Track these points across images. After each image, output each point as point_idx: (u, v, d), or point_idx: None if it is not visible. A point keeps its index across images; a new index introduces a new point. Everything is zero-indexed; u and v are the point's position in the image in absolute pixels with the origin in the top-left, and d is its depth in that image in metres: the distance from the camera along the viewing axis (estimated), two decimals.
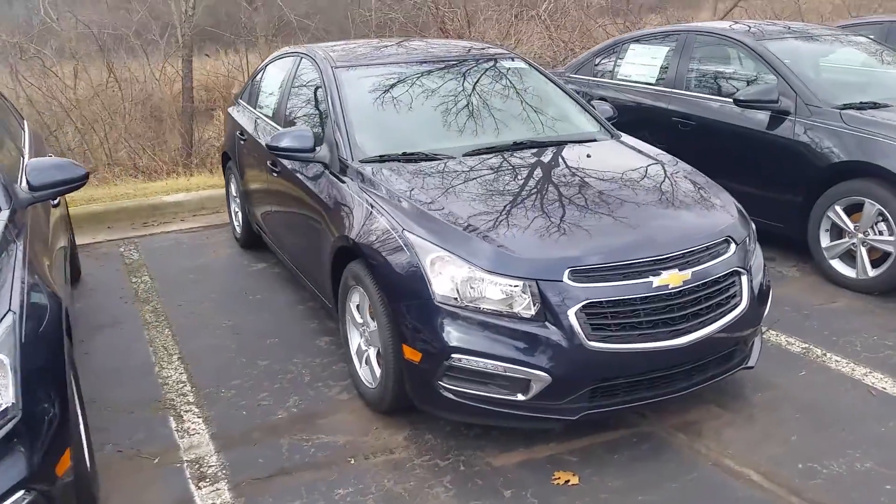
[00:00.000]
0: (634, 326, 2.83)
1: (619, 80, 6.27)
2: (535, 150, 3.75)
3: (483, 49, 4.71)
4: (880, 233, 4.48)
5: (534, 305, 2.79)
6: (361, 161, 3.59)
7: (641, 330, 2.84)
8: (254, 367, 3.87)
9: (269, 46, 9.79)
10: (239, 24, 9.88)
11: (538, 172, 3.48)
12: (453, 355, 2.81)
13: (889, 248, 4.43)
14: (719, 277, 3.02)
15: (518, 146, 3.80)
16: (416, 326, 2.92)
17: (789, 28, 5.97)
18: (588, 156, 3.73)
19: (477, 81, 4.24)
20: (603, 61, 6.55)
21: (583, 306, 2.77)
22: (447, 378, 2.88)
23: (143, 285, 5.07)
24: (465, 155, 3.67)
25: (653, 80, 5.96)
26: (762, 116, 5.06)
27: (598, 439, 3.16)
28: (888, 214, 4.38)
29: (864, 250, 4.58)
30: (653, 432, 3.21)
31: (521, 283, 2.80)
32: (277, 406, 3.50)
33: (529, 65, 4.60)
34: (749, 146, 5.15)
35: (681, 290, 2.90)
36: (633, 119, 5.97)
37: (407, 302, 2.95)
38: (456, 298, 2.83)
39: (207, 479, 2.99)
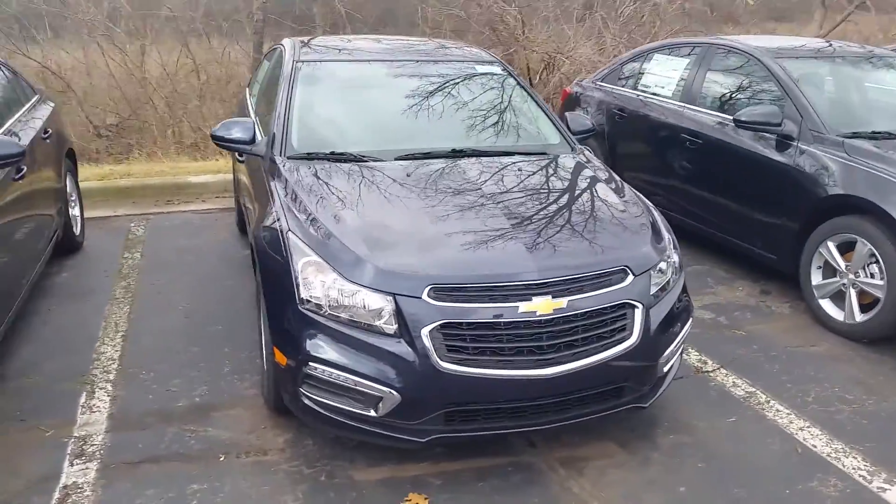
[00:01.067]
0: (496, 351, 2.69)
1: (640, 90, 5.98)
2: (468, 160, 3.63)
3: (462, 50, 4.61)
4: (871, 275, 4.08)
5: (395, 321, 2.70)
6: (289, 157, 3.59)
7: (503, 356, 2.69)
8: (185, 352, 3.95)
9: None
10: (303, 13, 10.09)
11: (452, 183, 3.36)
12: (310, 363, 2.77)
13: (878, 294, 4.02)
14: (604, 308, 2.82)
15: (456, 154, 3.69)
16: (283, 329, 2.89)
17: (863, 48, 5.50)
18: (520, 168, 3.57)
19: (438, 84, 4.14)
20: (628, 70, 6.27)
21: (440, 326, 2.66)
22: (307, 386, 2.84)
23: (131, 261, 5.28)
24: (396, 159, 3.59)
25: (669, 94, 5.65)
26: (766, 139, 4.70)
27: (472, 464, 3.03)
28: (879, 256, 3.98)
29: (853, 293, 4.18)
30: (533, 463, 3.05)
31: (384, 297, 2.71)
32: (183, 394, 3.55)
33: (506, 71, 4.45)
34: (751, 170, 4.80)
35: (552, 319, 2.73)
36: (647, 133, 5.72)
37: (279, 303, 2.92)
38: (320, 306, 2.78)
39: (83, 457, 3.07)
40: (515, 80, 4.40)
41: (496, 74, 4.36)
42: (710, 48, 5.46)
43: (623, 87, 6.19)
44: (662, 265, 3.07)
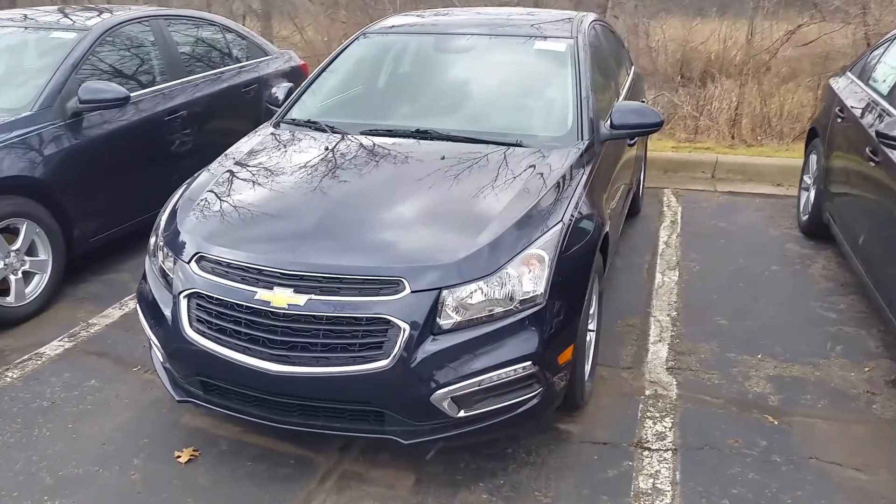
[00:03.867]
0: (233, 334, 2.63)
1: (869, 86, 4.49)
2: (419, 141, 3.41)
3: (538, 25, 4.12)
4: None
5: (177, 282, 2.82)
6: (282, 121, 3.83)
7: (239, 340, 2.62)
8: None
9: None
10: None
11: (356, 164, 3.23)
12: (137, 307, 3.07)
13: None
14: (354, 318, 2.50)
15: (419, 134, 3.47)
16: None
17: None
18: (442, 157, 3.21)
19: (469, 62, 3.90)
20: (872, 59, 4.73)
21: (193, 294, 2.71)
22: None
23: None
24: (361, 133, 3.56)
25: (885, 93, 4.16)
26: None
27: (269, 443, 3.01)
28: None
29: None
30: (316, 465, 2.88)
31: (171, 257, 2.86)
32: None
33: (573, 49, 3.83)
34: None
35: (286, 314, 2.54)
36: (854, 142, 4.35)
37: None
38: (156, 255, 3.03)
39: None
40: (575, 59, 3.78)
41: (551, 52, 3.84)
42: None
43: (859, 80, 4.71)
44: (475, 288, 2.54)
